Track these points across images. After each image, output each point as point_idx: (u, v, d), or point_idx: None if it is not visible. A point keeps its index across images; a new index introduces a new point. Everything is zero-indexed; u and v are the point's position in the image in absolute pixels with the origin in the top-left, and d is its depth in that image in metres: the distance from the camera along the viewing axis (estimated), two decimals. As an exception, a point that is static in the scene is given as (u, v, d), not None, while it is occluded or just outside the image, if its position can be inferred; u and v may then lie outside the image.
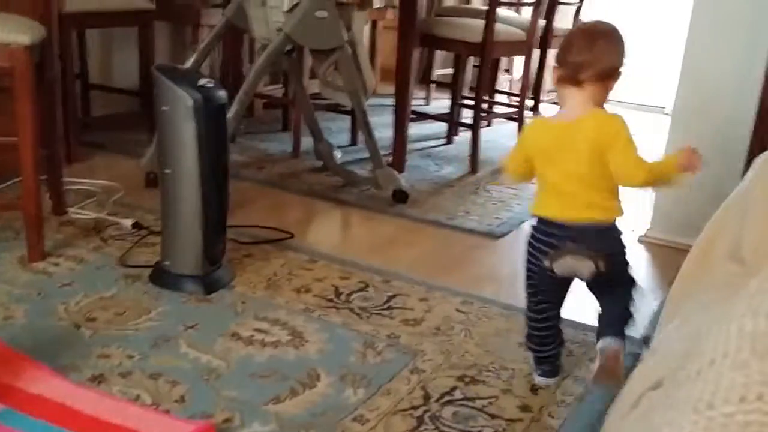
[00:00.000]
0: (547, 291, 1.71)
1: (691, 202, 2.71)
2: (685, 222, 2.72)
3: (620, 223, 1.67)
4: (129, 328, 1.84)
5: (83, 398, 1.53)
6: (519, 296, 2.24)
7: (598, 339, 1.70)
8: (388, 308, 2.07)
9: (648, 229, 2.81)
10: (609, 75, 1.60)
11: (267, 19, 2.69)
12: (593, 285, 1.68)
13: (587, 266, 1.58)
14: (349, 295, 2.13)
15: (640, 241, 2.80)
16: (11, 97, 2.03)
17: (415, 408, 1.62)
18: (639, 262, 2.64)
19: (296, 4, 2.59)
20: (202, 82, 1.97)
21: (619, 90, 1.66)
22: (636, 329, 2.07)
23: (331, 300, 2.09)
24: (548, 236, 1.63)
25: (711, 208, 2.55)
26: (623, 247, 1.68)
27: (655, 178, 1.59)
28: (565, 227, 1.61)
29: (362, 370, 1.75)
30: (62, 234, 2.36)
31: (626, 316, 1.70)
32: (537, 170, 1.67)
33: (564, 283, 1.70)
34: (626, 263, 1.70)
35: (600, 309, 1.73)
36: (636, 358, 1.91)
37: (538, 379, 1.77)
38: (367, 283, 2.21)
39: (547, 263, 1.61)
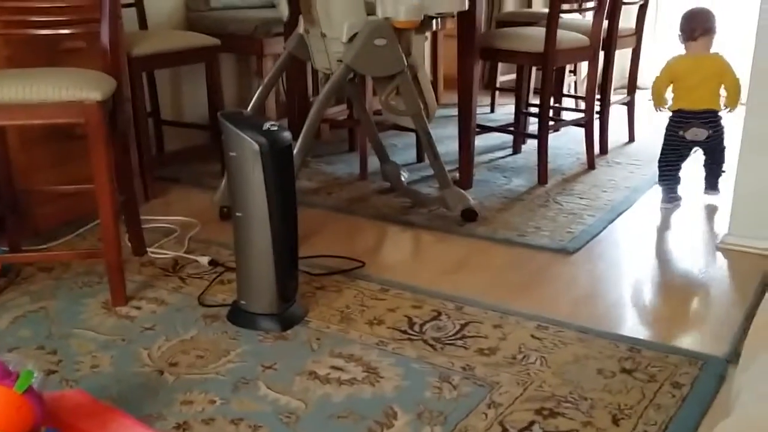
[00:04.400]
0: (678, 151, 3.06)
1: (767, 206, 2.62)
2: (764, 226, 2.63)
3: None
4: (210, 371, 1.90)
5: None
6: (595, 318, 2.21)
7: (705, 191, 3.18)
8: (462, 337, 2.07)
9: (725, 235, 2.72)
10: (709, 33, 2.98)
11: (327, 51, 2.71)
12: (706, 149, 3.06)
13: (703, 132, 2.96)
14: (422, 325, 2.14)
15: (717, 248, 2.72)
16: (87, 146, 2.11)
17: (493, 446, 1.62)
18: (718, 270, 2.57)
19: (355, 34, 2.60)
20: (266, 125, 2.01)
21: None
22: (718, 347, 2.02)
23: (404, 332, 2.10)
24: (683, 118, 2.99)
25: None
26: (722, 124, 3.00)
27: (738, 95, 2.97)
28: (693, 112, 2.97)
29: (438, 406, 1.75)
30: (143, 275, 2.45)
31: (720, 174, 3.11)
32: (675, 84, 3.01)
33: (688, 148, 3.06)
34: (723, 135, 3.02)
35: (705, 170, 3.14)
36: (721, 380, 1.86)
37: (665, 205, 3.11)
38: (440, 311, 2.22)
39: (681, 132, 3.00)
